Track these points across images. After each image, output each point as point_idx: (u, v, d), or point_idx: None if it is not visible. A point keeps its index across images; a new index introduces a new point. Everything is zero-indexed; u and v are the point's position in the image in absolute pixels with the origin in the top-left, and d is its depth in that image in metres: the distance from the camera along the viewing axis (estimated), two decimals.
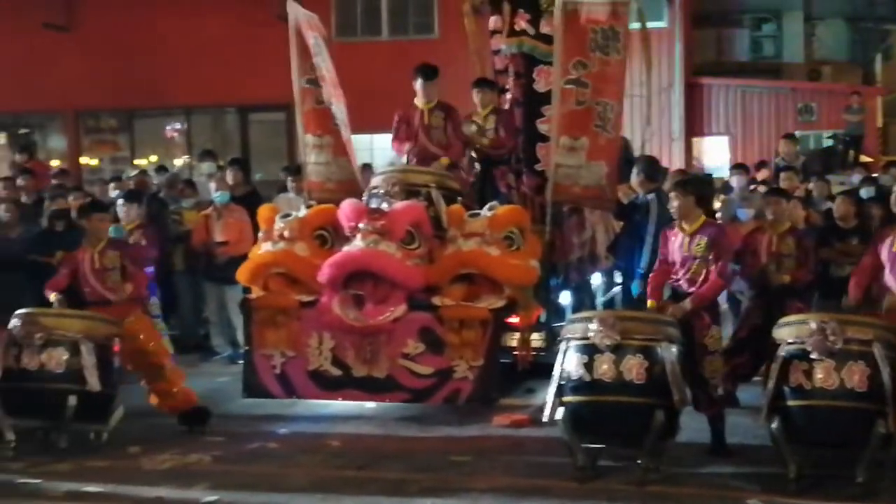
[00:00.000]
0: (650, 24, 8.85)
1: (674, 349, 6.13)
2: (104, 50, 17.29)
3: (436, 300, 7.58)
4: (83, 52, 17.47)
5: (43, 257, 8.85)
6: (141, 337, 7.45)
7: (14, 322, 6.99)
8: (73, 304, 7.38)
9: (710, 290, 6.62)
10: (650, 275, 7.04)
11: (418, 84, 8.77)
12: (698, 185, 7.03)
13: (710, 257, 6.62)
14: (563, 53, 8.12)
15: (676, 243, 6.75)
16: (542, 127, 8.82)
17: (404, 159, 8.97)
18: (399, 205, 7.79)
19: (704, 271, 6.63)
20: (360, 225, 7.63)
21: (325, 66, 8.91)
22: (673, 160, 16.07)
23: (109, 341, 7.15)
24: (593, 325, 6.16)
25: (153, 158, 17.79)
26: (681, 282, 6.73)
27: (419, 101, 8.81)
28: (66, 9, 17.78)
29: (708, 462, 6.55)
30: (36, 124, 19.17)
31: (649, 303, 6.85)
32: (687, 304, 6.58)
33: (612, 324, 6.13)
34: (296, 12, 8.85)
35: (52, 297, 7.34)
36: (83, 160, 18.37)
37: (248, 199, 10.32)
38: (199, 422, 7.59)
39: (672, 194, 6.87)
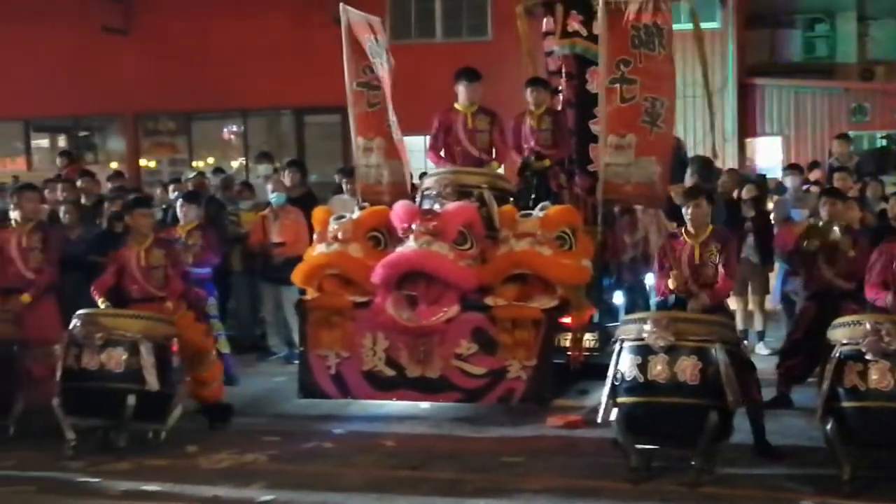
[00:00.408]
0: (703, 26, 8.79)
1: (728, 350, 6.10)
2: (162, 53, 17.53)
3: (488, 300, 7.60)
4: (142, 55, 17.73)
5: (101, 258, 9.00)
6: (185, 333, 7.55)
7: (74, 322, 7.10)
8: (116, 304, 7.48)
9: (724, 289, 6.82)
10: (656, 281, 7.09)
11: (461, 87, 8.78)
12: (710, 196, 7.13)
13: (721, 261, 6.76)
14: (607, 52, 8.15)
15: (685, 253, 6.79)
16: (594, 128, 8.81)
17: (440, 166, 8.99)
18: (451, 206, 7.82)
19: (713, 274, 6.76)
20: (413, 226, 7.67)
21: (383, 67, 8.96)
22: (726, 161, 15.92)
23: (168, 341, 7.24)
24: (647, 326, 6.15)
25: (210, 160, 18.00)
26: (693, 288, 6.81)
27: (460, 105, 8.82)
28: (125, 13, 18.06)
29: (761, 463, 6.49)
30: (96, 127, 19.47)
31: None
32: (705, 298, 6.69)
33: (666, 325, 6.12)
34: (350, 15, 8.91)
35: (100, 302, 7.44)
36: (142, 162, 18.65)
37: (304, 200, 10.41)
38: (222, 418, 7.69)
39: (691, 203, 6.91)
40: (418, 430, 7.55)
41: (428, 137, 9.11)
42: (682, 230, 7.04)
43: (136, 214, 7.74)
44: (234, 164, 18.07)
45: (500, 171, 8.92)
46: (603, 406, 6.28)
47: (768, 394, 7.06)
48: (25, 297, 7.65)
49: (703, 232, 6.83)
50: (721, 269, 6.84)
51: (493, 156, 8.81)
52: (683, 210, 7.04)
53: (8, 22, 17.91)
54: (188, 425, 7.41)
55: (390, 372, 7.75)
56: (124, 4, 18.02)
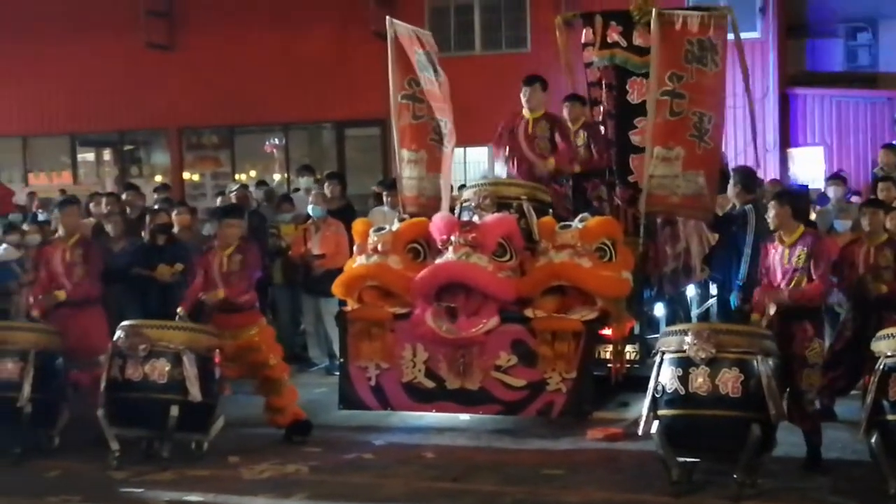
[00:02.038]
0: (743, 35, 8.74)
1: (770, 362, 6.05)
2: (206, 69, 17.71)
3: (528, 312, 7.60)
4: (186, 71, 17.92)
5: (145, 271, 9.10)
6: (262, 349, 7.60)
7: (119, 333, 7.17)
8: (194, 312, 7.53)
9: (811, 290, 6.47)
10: (755, 289, 6.92)
11: (523, 93, 8.80)
12: (795, 197, 6.92)
13: (811, 267, 6.52)
14: (659, 64, 8.08)
15: (777, 256, 6.65)
16: (634, 138, 8.77)
17: (499, 164, 8.99)
18: (490, 217, 7.84)
19: (806, 281, 6.52)
20: (452, 238, 7.69)
21: (433, 80, 9.01)
22: (768, 171, 15.79)
23: (211, 352, 7.28)
24: (688, 338, 6.11)
25: (252, 173, 18.13)
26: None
27: (525, 111, 8.84)
28: (170, 29, 18.27)
29: (804, 477, 6.42)
30: (141, 141, 19.69)
31: (753, 316, 6.75)
32: (784, 293, 6.46)
33: (708, 337, 6.08)
34: (397, 28, 8.97)
35: (179, 311, 7.46)
36: (185, 175, 18.83)
37: (344, 212, 10.48)
38: (302, 433, 7.70)
39: (770, 204, 6.79)
40: (458, 441, 7.56)
41: (467, 149, 9.13)
42: (777, 235, 6.82)
43: (224, 224, 7.72)
44: (276, 177, 18.20)
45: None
46: (643, 419, 6.25)
47: None
48: (60, 294, 7.74)
49: (791, 235, 6.63)
50: (814, 274, 6.52)
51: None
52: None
53: (56, 38, 18.18)
54: (230, 436, 7.45)
55: (430, 384, 7.76)
56: (169, 21, 18.23)
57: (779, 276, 6.62)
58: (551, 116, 8.86)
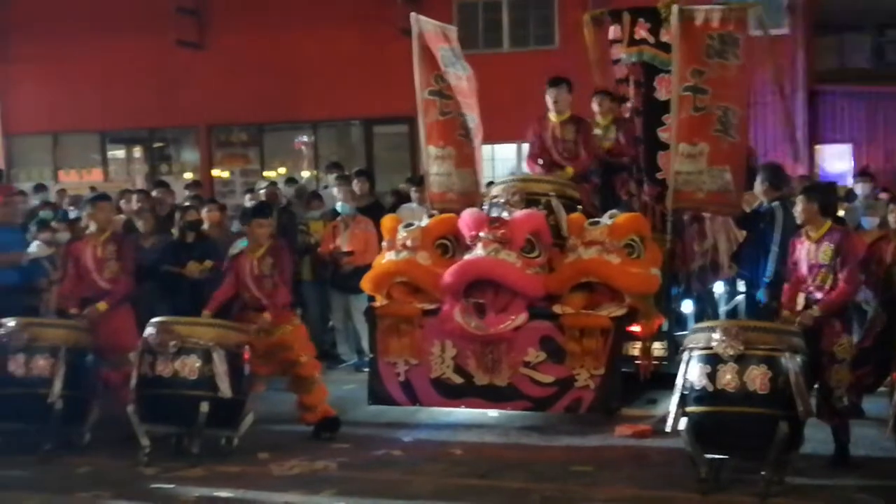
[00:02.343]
0: (771, 32, 8.70)
1: (798, 359, 6.02)
2: (235, 67, 17.81)
3: (556, 309, 7.60)
4: (215, 68, 18.02)
5: (174, 268, 9.16)
6: (294, 347, 7.63)
7: (149, 330, 7.21)
8: (220, 315, 7.56)
9: (839, 296, 6.49)
10: (785, 286, 6.90)
11: (548, 94, 8.79)
12: (823, 193, 6.88)
13: (837, 264, 6.49)
14: (680, 60, 8.08)
15: (803, 251, 6.63)
16: (662, 135, 8.72)
17: (538, 172, 9.01)
18: (519, 213, 7.83)
19: (832, 278, 6.50)
20: (481, 234, 7.70)
21: (459, 75, 9.00)
22: (796, 168, 15.69)
23: (240, 349, 7.31)
24: (716, 335, 6.09)
25: (281, 171, 18.22)
26: (811, 290, 6.61)
27: (552, 115, 8.84)
28: (199, 28, 18.38)
29: (832, 474, 6.39)
30: (170, 139, 19.82)
31: (784, 313, 6.73)
32: (815, 310, 6.48)
33: (736, 333, 6.05)
34: (422, 24, 8.98)
35: (205, 313, 7.49)
36: (215, 172, 18.94)
37: (372, 209, 10.51)
38: (330, 430, 7.73)
39: (797, 199, 6.76)
40: (486, 438, 7.57)
41: (495, 146, 9.13)
42: (804, 230, 6.79)
43: (254, 224, 7.73)
44: (305, 174, 18.27)
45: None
46: (672, 416, 6.23)
47: None
48: (102, 305, 7.77)
49: (818, 230, 6.60)
50: (839, 275, 6.49)
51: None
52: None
53: (86, 36, 18.33)
54: (260, 432, 7.49)
55: (458, 379, 7.79)
56: (199, 19, 18.33)
57: (804, 271, 6.60)
58: (577, 119, 8.84)
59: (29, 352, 7.34)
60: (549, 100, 8.78)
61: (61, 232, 10.08)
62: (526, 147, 9.24)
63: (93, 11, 18.35)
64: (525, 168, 9.34)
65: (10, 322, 7.46)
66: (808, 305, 6.61)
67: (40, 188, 13.60)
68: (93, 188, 14.68)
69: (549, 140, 8.80)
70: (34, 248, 9.72)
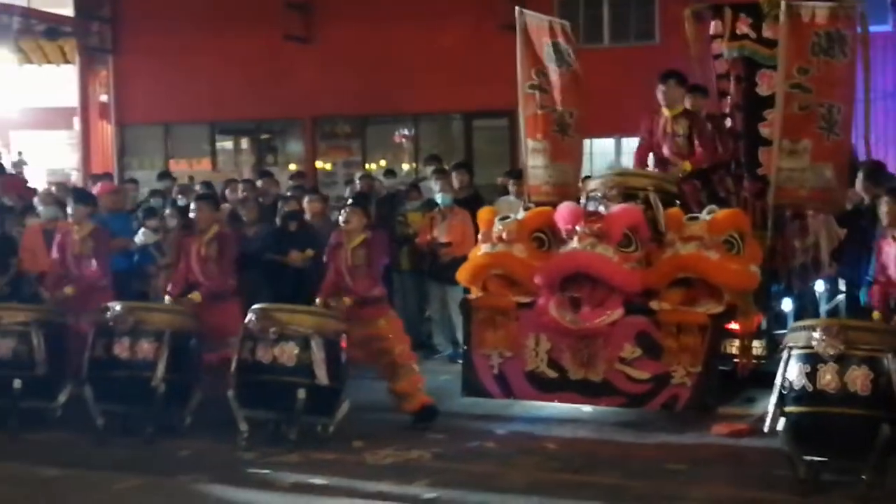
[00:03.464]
0: (873, 28, 8.49)
1: None
2: (340, 60, 18.01)
3: (653, 304, 7.52)
4: (320, 62, 18.25)
5: (277, 256, 9.34)
6: (390, 337, 7.72)
7: (250, 316, 7.35)
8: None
9: None
10: (872, 286, 6.75)
11: (658, 90, 8.70)
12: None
13: None
14: (786, 57, 7.96)
15: (892, 253, 6.45)
16: (764, 131, 8.61)
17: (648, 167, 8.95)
18: (616, 208, 7.77)
19: None
20: (577, 227, 7.66)
21: (559, 70, 8.98)
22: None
23: (338, 337, 7.41)
24: (817, 334, 5.96)
25: (382, 163, 18.39)
26: None
27: (664, 109, 8.75)
28: (306, 22, 18.63)
29: None
30: (276, 130, 20.16)
31: (875, 314, 6.58)
32: None
33: (837, 333, 5.91)
34: (527, 18, 8.98)
35: (318, 301, 7.67)
36: (318, 164, 19.21)
37: (471, 201, 10.55)
38: (428, 419, 7.78)
39: (882, 200, 6.60)
40: (580, 433, 7.54)
41: (594, 140, 9.08)
42: (891, 231, 6.71)
43: (350, 211, 7.85)
44: (405, 166, 18.40)
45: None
46: (770, 415, 6.13)
47: None
48: (196, 296, 7.98)
49: None
50: None
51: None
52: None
53: (198, 30, 18.74)
54: (355, 420, 7.55)
55: (553, 374, 7.77)
56: (305, 14, 18.59)
57: (892, 273, 6.44)
58: (690, 114, 8.73)
59: (134, 335, 7.53)
60: (659, 95, 8.70)
61: (170, 218, 10.35)
62: (625, 142, 9.19)
63: (204, 6, 18.75)
64: (624, 162, 9.27)
65: (117, 306, 7.68)
66: None
67: (164, 176, 13.96)
68: (191, 178, 15.03)
69: (661, 135, 8.72)
70: (142, 235, 10.04)
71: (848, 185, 8.18)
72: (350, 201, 8.25)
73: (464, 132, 18.31)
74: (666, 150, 8.70)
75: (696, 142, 8.60)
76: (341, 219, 7.89)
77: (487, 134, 18.25)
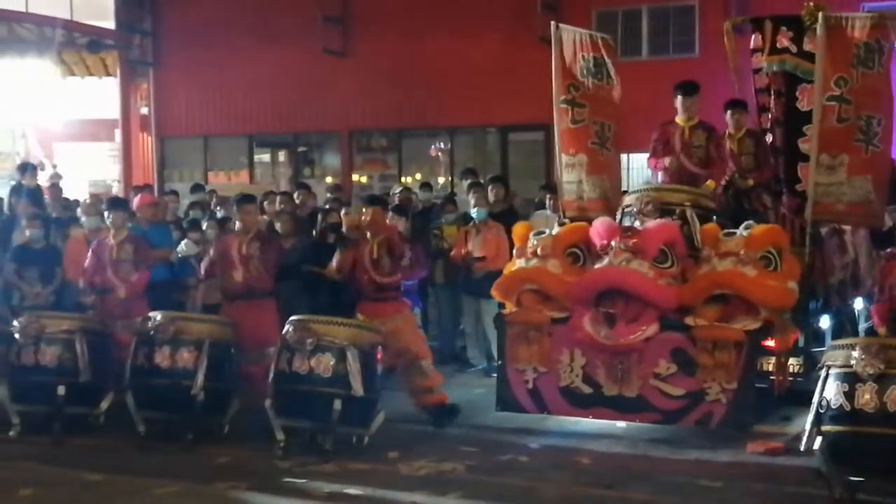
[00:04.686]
0: None
1: None
2: (377, 74, 18.13)
3: (689, 320, 7.50)
4: (358, 76, 18.39)
5: (314, 267, 9.39)
6: (405, 334, 7.91)
7: (288, 328, 7.44)
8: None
9: None
10: (876, 305, 6.73)
11: (678, 101, 8.72)
12: None
13: None
14: (825, 69, 7.92)
15: None
16: (803, 146, 8.53)
17: (659, 176, 8.93)
18: (652, 223, 7.77)
19: None
20: (613, 243, 7.65)
21: (599, 85, 9.03)
22: None
23: (373, 349, 7.50)
24: (856, 353, 5.93)
25: (418, 176, 18.47)
26: None
27: (680, 119, 8.75)
28: (343, 36, 18.78)
29: None
30: (314, 143, 20.31)
31: (880, 330, 6.55)
32: None
33: (877, 352, 5.87)
34: (563, 32, 9.00)
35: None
36: (354, 177, 19.33)
37: (506, 215, 10.57)
38: (448, 418, 7.86)
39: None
40: (614, 448, 7.52)
41: (631, 155, 9.07)
42: None
43: (371, 211, 8.12)
44: (441, 179, 18.47)
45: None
46: (806, 434, 6.10)
47: None
48: (237, 275, 8.18)
49: None
50: None
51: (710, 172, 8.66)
52: None
53: (237, 45, 18.92)
54: (390, 431, 7.62)
55: (587, 389, 7.76)
56: (344, 27, 18.75)
57: None
58: (707, 126, 8.73)
59: (174, 344, 7.67)
60: (678, 104, 8.69)
61: (210, 230, 10.47)
62: None
63: (244, 21, 18.97)
64: (651, 173, 9.26)
65: (158, 315, 7.82)
66: None
67: (197, 188, 14.11)
68: (212, 191, 15.08)
69: (678, 144, 8.69)
70: (183, 246, 10.15)
71: (887, 199, 8.11)
72: (371, 198, 8.54)
73: (499, 146, 18.35)
74: (685, 160, 8.67)
75: (714, 155, 8.58)
76: (363, 218, 8.16)
77: (523, 148, 18.28)
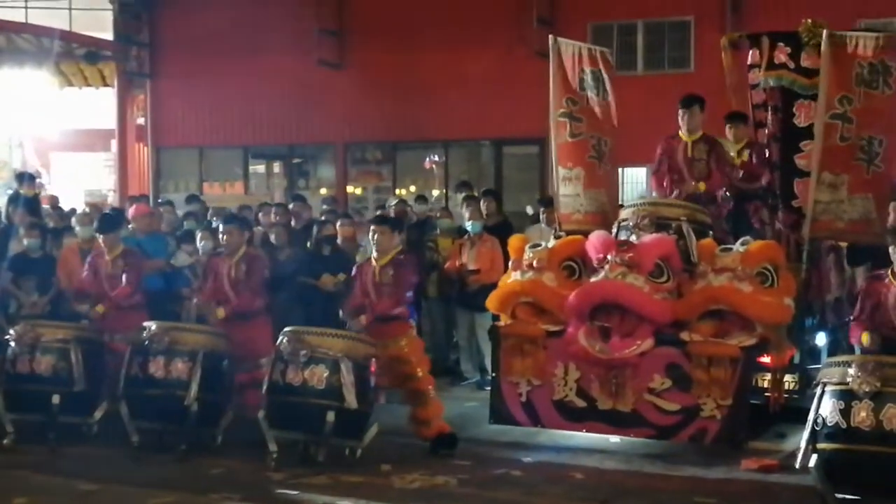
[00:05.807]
0: None
1: None
2: (372, 86, 18.14)
3: (684, 335, 7.48)
4: (353, 88, 18.39)
5: (309, 279, 9.39)
6: (412, 360, 7.75)
7: (282, 339, 7.42)
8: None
9: None
10: (851, 321, 6.75)
11: (681, 115, 8.73)
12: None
13: None
14: (829, 87, 7.89)
15: (892, 296, 6.47)
16: (800, 162, 8.54)
17: (661, 192, 8.94)
18: (648, 237, 7.77)
19: None
20: (609, 257, 7.65)
21: (596, 98, 9.03)
22: None
23: (367, 361, 7.46)
24: (852, 370, 5.94)
25: (412, 188, 18.47)
26: None
27: (682, 133, 8.77)
28: (339, 48, 18.79)
29: None
30: (309, 155, 20.30)
31: (864, 336, 6.67)
32: None
33: (873, 370, 5.89)
34: (561, 46, 9.02)
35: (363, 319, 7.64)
36: (349, 189, 19.32)
37: (500, 228, 10.57)
38: (448, 447, 7.77)
39: (890, 239, 6.59)
40: (607, 464, 7.50)
41: (626, 169, 9.07)
42: (889, 271, 6.73)
43: (378, 231, 7.87)
44: (435, 192, 18.47)
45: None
46: (801, 451, 6.10)
47: None
48: (220, 312, 8.08)
49: None
50: None
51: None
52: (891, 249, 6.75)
53: (232, 56, 18.91)
54: (383, 444, 7.59)
55: (581, 403, 7.74)
56: (339, 40, 18.75)
57: (893, 317, 6.42)
58: (710, 139, 8.74)
59: (169, 355, 7.65)
60: (681, 119, 8.70)
61: (205, 241, 10.43)
62: None
63: (240, 32, 18.95)
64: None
65: (152, 325, 7.79)
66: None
67: (192, 199, 14.09)
68: (193, 195, 15.03)
69: (681, 159, 8.71)
70: (178, 257, 10.13)
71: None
72: (378, 220, 8.25)
73: (494, 159, 18.37)
74: (687, 174, 8.68)
75: (714, 166, 8.58)
76: (372, 238, 7.92)
77: (517, 161, 18.30)
